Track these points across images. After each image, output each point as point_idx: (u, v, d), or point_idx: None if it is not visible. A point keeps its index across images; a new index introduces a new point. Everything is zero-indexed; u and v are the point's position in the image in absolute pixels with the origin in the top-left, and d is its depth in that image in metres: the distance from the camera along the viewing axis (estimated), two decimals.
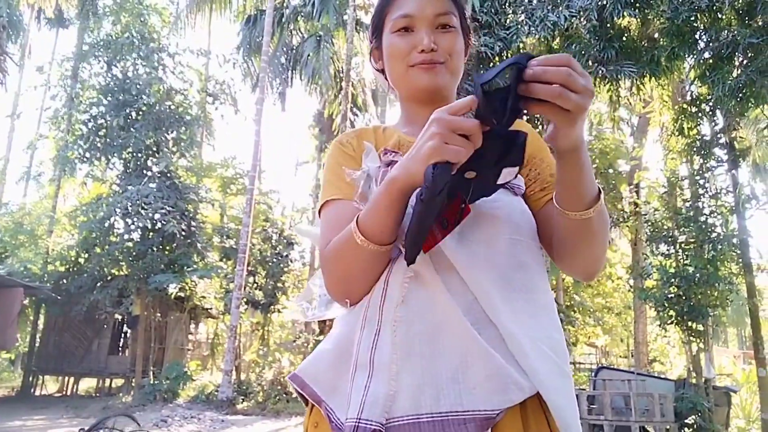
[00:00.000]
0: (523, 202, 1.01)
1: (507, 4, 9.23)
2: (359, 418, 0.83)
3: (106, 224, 14.16)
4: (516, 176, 0.87)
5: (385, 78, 1.15)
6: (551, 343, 0.90)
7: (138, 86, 14.90)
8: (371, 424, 0.82)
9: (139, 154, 14.84)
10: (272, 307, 17.06)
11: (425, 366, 0.86)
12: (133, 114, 14.74)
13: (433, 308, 0.89)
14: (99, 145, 14.80)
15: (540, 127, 8.48)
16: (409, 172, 0.81)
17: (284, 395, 13.25)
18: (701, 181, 10.17)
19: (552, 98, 0.73)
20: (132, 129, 14.45)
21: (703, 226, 9.56)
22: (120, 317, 16.37)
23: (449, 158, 0.75)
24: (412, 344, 0.87)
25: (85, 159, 15.04)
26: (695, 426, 8.74)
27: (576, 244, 0.94)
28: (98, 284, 14.74)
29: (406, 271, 0.91)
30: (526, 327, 0.88)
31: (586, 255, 0.96)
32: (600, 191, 0.90)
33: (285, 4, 18.10)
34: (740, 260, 9.88)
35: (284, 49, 18.12)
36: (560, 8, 8.04)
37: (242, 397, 13.35)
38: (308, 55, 17.06)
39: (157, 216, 13.78)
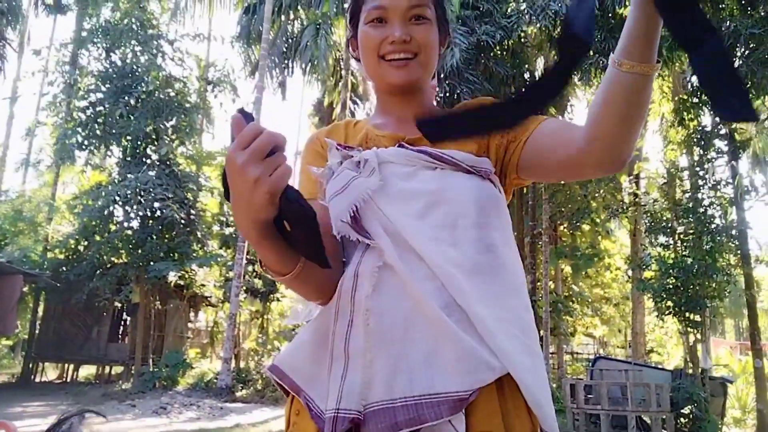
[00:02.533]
0: (491, 186, 1.00)
1: None
2: (338, 408, 0.86)
3: (106, 212, 14.15)
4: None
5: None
6: (520, 323, 0.91)
7: (137, 73, 14.83)
8: (349, 413, 0.85)
9: (139, 142, 14.80)
10: (271, 295, 17.11)
11: (398, 352, 0.87)
12: (132, 101, 14.68)
13: (404, 295, 0.90)
14: (98, 132, 14.75)
15: None
16: (245, 227, 0.81)
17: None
18: (701, 173, 10.17)
19: None
20: (131, 116, 14.40)
21: (702, 218, 9.57)
22: (119, 305, 16.41)
23: (280, 187, 0.74)
24: (384, 332, 0.89)
25: (84, 146, 14.99)
26: (691, 416, 8.79)
27: (628, 108, 0.83)
28: (98, 272, 14.76)
29: (376, 260, 0.92)
30: (494, 308, 0.89)
31: (632, 125, 0.85)
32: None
33: None
34: (738, 252, 9.91)
35: (284, 37, 18.02)
36: None
37: (241, 385, 13.42)
38: (307, 43, 16.97)
39: (156, 204, 13.77)
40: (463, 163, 0.98)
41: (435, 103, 1.25)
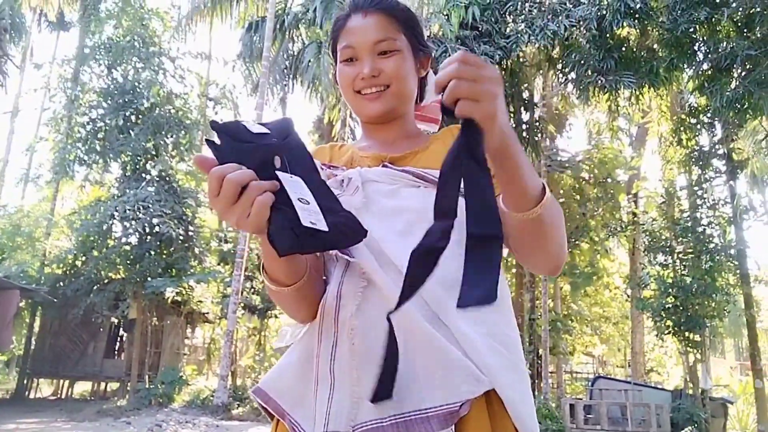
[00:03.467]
0: None
1: (507, 12, 9.28)
2: (326, 431, 0.86)
3: (104, 227, 14.14)
4: None
5: None
6: (503, 339, 0.92)
7: (138, 89, 14.92)
8: None
9: (138, 158, 14.84)
10: (269, 312, 17.03)
11: None
12: (133, 117, 14.76)
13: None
14: (98, 147, 14.80)
15: None
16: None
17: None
18: (699, 192, 10.20)
19: (453, 95, 0.73)
20: (131, 132, 14.45)
21: (701, 237, 9.58)
22: (116, 321, 16.32)
23: (261, 222, 0.77)
24: (370, 350, 0.88)
25: (83, 161, 15.03)
26: None
27: (531, 242, 0.92)
28: (95, 287, 14.70)
29: (359, 280, 0.93)
30: (477, 324, 0.90)
31: (544, 251, 0.94)
32: (544, 186, 0.88)
33: (286, 11, 18.16)
34: (738, 271, 9.90)
35: (285, 55, 18.17)
36: (560, 17, 8.10)
37: (238, 403, 13.30)
38: (309, 61, 17.10)
39: (155, 220, 13.77)
40: None
41: (433, 119, 1.26)
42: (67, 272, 15.82)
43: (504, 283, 0.99)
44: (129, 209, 13.50)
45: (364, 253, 0.94)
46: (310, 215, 0.78)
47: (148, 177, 14.98)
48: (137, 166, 14.97)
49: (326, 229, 0.78)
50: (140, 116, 14.81)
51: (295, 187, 0.80)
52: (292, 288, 0.91)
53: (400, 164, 1.06)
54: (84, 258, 15.38)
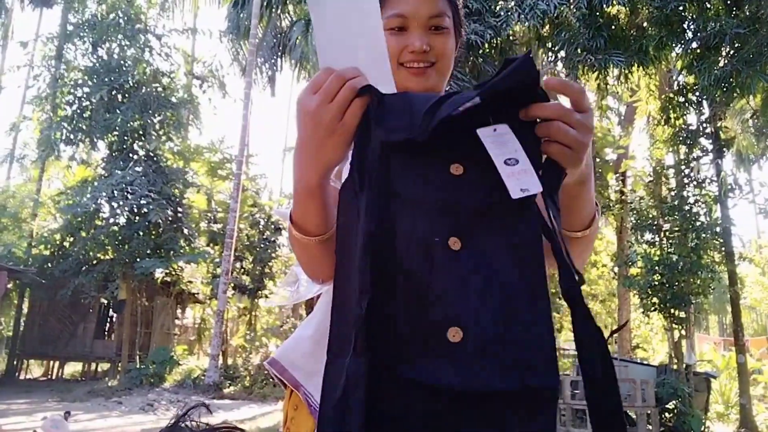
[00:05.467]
0: None
1: None
2: None
3: (92, 208, 14.04)
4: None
5: None
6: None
7: (124, 68, 14.70)
8: None
9: (125, 137, 14.68)
10: (259, 292, 17.06)
11: None
12: (119, 96, 14.56)
13: None
14: (84, 126, 14.61)
15: None
16: (308, 173, 0.82)
17: (271, 380, 13.27)
18: (686, 171, 10.27)
19: (550, 135, 0.74)
20: (117, 111, 14.27)
21: (688, 215, 9.66)
22: (106, 301, 16.30)
23: (353, 126, 0.75)
24: None
25: (69, 140, 14.85)
26: (675, 411, 8.90)
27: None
28: (83, 268, 14.64)
29: None
30: None
31: (578, 262, 0.99)
32: (596, 212, 0.92)
33: None
34: (723, 249, 10.03)
35: (273, 33, 17.92)
36: None
37: (229, 382, 13.39)
38: (297, 39, 16.90)
39: (143, 201, 13.68)
40: None
41: None
42: (55, 253, 15.72)
43: None
44: (117, 190, 13.39)
45: None
46: (520, 181, 0.71)
47: (135, 157, 14.84)
48: (124, 146, 14.81)
49: (539, 189, 0.71)
50: (126, 95, 14.63)
51: (500, 142, 0.72)
52: (319, 239, 0.87)
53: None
54: (72, 239, 15.28)
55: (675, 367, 9.81)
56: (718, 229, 9.80)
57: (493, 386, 0.68)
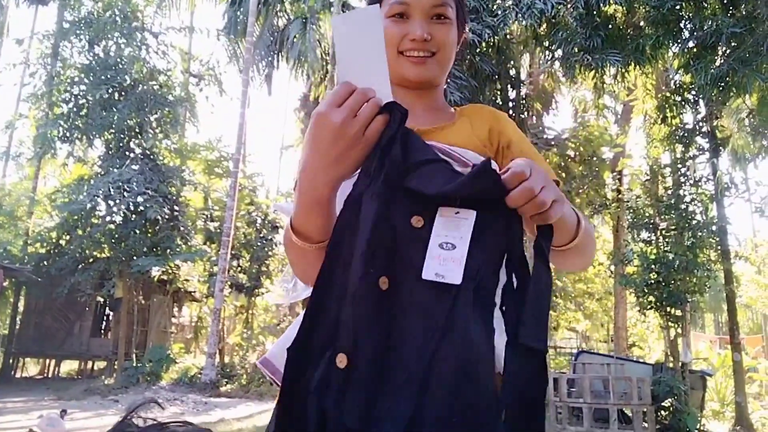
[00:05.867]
0: None
1: None
2: None
3: (88, 206, 14.01)
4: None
5: None
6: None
7: (120, 65, 14.66)
8: None
9: (122, 135, 14.64)
10: (256, 290, 17.06)
11: None
12: (116, 94, 14.52)
13: None
14: (80, 124, 14.57)
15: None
16: (319, 185, 0.84)
17: (268, 378, 13.27)
18: (683, 169, 10.30)
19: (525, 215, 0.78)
20: (114, 109, 14.23)
21: (684, 214, 9.68)
22: (102, 300, 16.26)
23: (374, 142, 0.79)
24: None
25: (66, 138, 14.80)
26: (671, 408, 8.93)
27: (563, 263, 0.99)
28: (80, 266, 14.60)
29: None
30: None
31: (579, 265, 1.02)
32: (579, 220, 0.93)
33: None
34: (719, 247, 10.05)
35: (270, 31, 17.90)
36: None
37: (226, 380, 13.38)
38: (294, 37, 16.88)
39: (139, 198, 13.66)
40: (470, 160, 0.98)
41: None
42: (51, 251, 15.68)
43: None
44: (113, 188, 13.36)
45: None
46: (442, 266, 0.74)
47: (132, 155, 14.81)
48: (121, 144, 14.78)
49: (457, 282, 0.73)
50: (123, 93, 14.59)
51: (452, 225, 0.76)
52: (318, 246, 0.87)
53: (426, 138, 1.01)
54: (68, 237, 15.24)
55: (671, 365, 9.84)
56: (714, 227, 9.83)
57: None
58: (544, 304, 0.75)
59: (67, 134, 14.71)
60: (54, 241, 15.74)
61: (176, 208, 15.00)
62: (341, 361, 0.72)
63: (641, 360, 13.09)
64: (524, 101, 12.83)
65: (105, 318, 17.25)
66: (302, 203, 0.85)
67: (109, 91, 14.28)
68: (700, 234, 9.52)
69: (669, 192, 10.38)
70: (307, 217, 0.86)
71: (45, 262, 15.24)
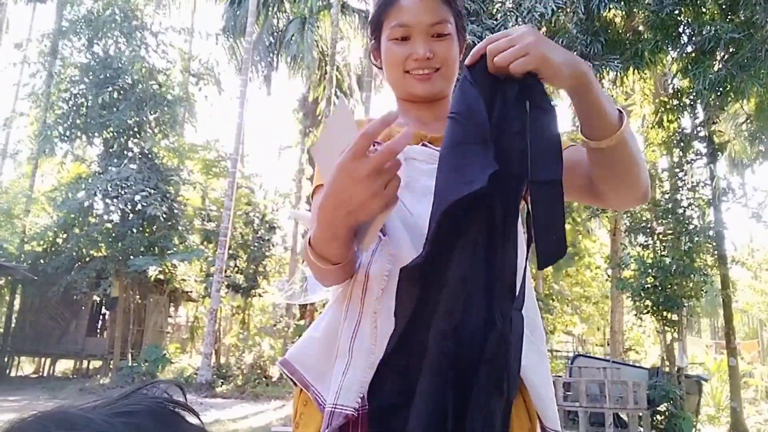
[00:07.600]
0: None
1: None
2: (335, 404, 0.88)
3: (85, 205, 13.97)
4: None
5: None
6: (529, 323, 0.92)
7: (120, 65, 14.64)
8: (345, 409, 0.87)
9: (121, 134, 14.62)
10: (253, 291, 17.02)
11: None
12: (115, 93, 14.49)
13: None
14: (79, 123, 14.54)
15: None
16: (337, 224, 0.85)
17: (264, 379, 13.27)
18: (680, 174, 10.31)
19: (500, 64, 0.83)
20: (114, 108, 14.21)
21: (681, 218, 9.71)
22: (98, 299, 16.21)
23: (392, 198, 0.80)
24: (390, 334, 0.89)
25: (65, 138, 14.77)
26: (667, 413, 8.94)
27: (617, 170, 0.96)
28: (76, 265, 14.56)
29: (385, 263, 0.94)
30: None
31: (630, 177, 0.97)
32: (622, 114, 0.92)
33: None
34: (715, 252, 10.07)
35: (269, 31, 17.90)
36: None
37: (221, 381, 13.36)
38: (292, 37, 16.88)
39: (137, 198, 13.62)
40: None
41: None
42: (48, 250, 15.63)
43: (527, 271, 1.00)
44: (111, 187, 13.34)
45: (399, 228, 0.95)
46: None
47: (130, 154, 14.79)
48: (120, 143, 14.76)
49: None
50: (122, 92, 14.56)
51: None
52: (338, 267, 0.90)
53: (438, 145, 1.03)
54: (65, 235, 15.20)
55: (667, 369, 9.86)
56: (711, 232, 9.85)
57: None
58: (549, 137, 0.82)
59: (66, 133, 14.68)
60: (51, 239, 15.70)
61: (174, 206, 14.97)
62: None
63: (637, 364, 13.11)
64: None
65: (101, 317, 17.20)
66: (320, 237, 0.86)
67: (109, 90, 14.26)
68: (696, 239, 9.54)
69: (666, 196, 10.40)
70: (324, 245, 0.87)
71: (41, 261, 15.19)
